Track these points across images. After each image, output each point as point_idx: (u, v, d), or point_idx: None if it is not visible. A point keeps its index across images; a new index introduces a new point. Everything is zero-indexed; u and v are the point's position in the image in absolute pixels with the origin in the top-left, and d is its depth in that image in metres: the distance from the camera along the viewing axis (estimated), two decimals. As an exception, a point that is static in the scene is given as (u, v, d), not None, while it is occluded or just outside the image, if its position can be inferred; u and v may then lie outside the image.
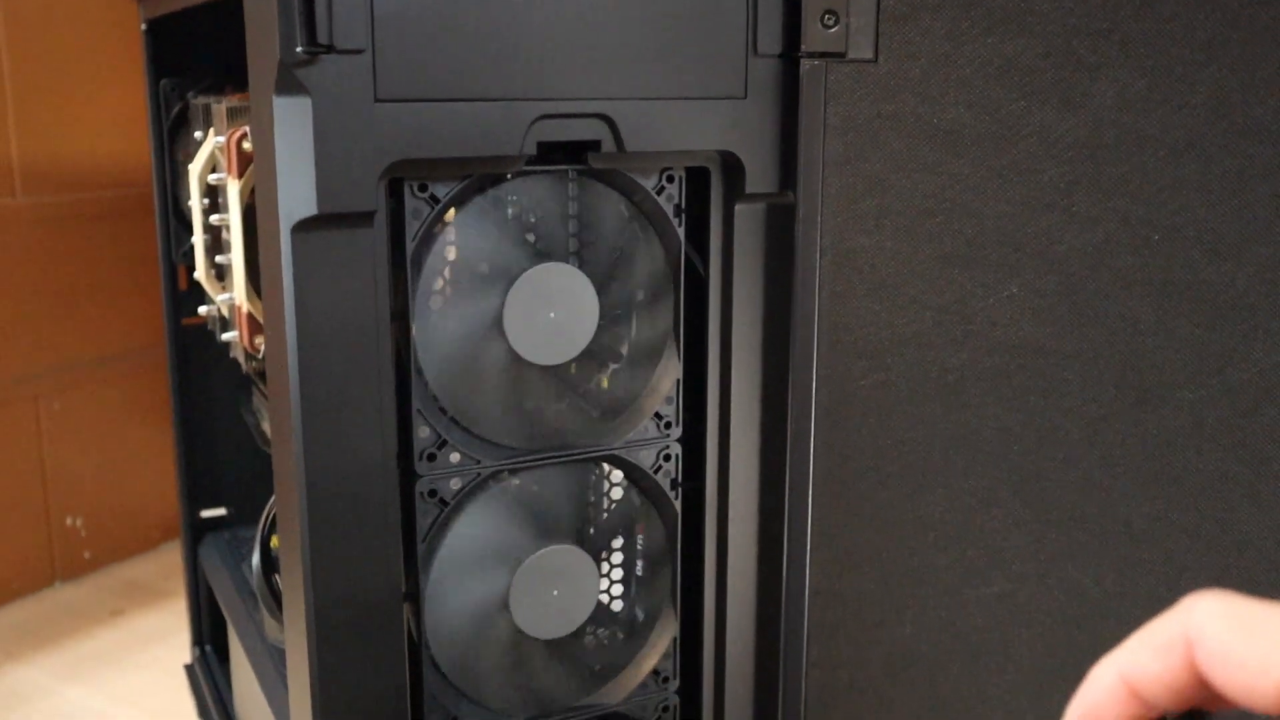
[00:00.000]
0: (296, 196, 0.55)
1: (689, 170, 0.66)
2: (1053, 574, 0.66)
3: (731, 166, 0.65)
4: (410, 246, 0.60)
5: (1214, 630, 0.28)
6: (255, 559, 0.80)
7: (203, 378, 1.11)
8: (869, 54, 0.62)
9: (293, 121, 0.54)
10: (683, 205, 0.66)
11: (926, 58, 0.61)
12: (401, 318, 0.62)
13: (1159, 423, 0.63)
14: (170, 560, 1.45)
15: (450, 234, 0.62)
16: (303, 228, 0.56)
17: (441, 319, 0.62)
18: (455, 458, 0.64)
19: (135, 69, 1.09)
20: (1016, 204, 0.62)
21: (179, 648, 1.23)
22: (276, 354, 0.60)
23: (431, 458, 0.63)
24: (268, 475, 0.86)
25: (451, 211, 0.62)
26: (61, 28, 1.33)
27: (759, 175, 0.65)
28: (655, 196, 0.65)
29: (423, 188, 0.60)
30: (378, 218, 0.58)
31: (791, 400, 0.66)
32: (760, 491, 0.69)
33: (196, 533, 1.13)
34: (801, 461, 0.67)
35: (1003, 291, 0.63)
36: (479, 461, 0.64)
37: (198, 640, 1.15)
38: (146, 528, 1.48)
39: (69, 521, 1.39)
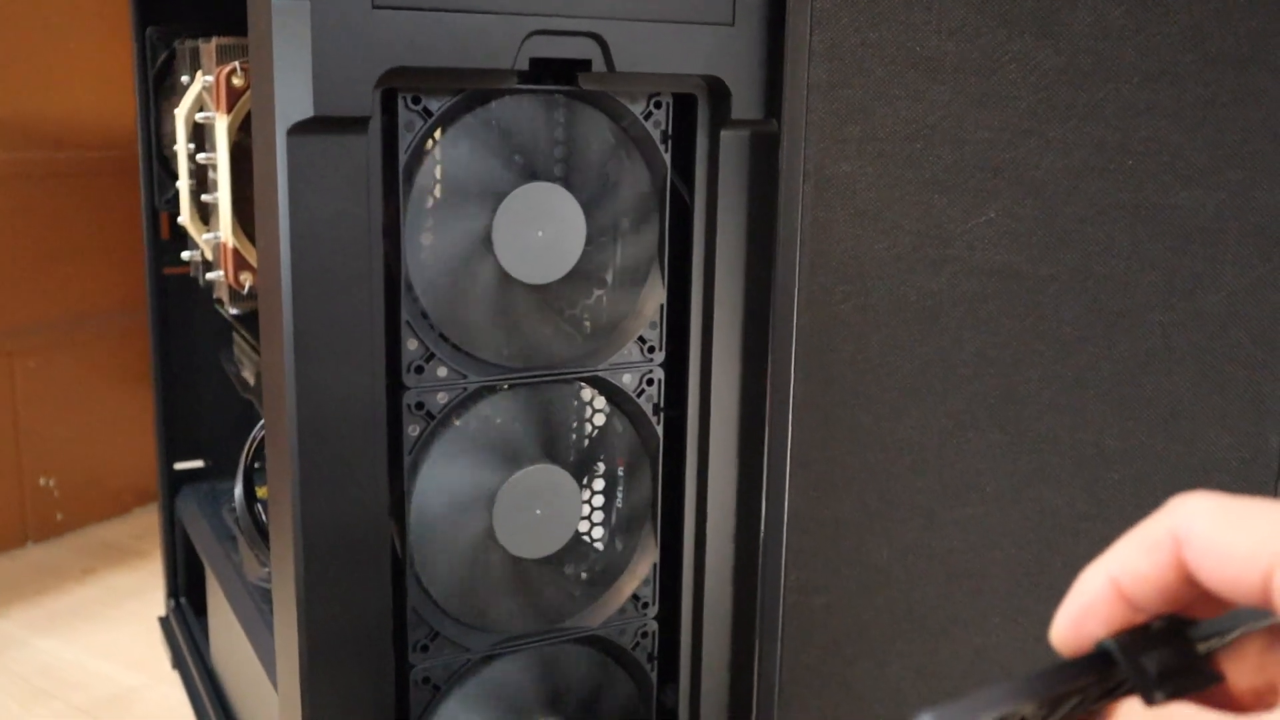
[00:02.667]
0: (293, 99, 0.56)
1: (675, 99, 0.67)
2: (1026, 496, 0.67)
3: (718, 92, 0.66)
4: (403, 159, 0.61)
5: (1201, 525, 0.29)
6: (238, 490, 0.81)
7: (183, 329, 1.12)
8: (854, -18, 0.63)
9: (291, 24, 0.55)
10: (669, 132, 0.67)
11: (910, -15, 0.63)
12: (392, 233, 0.63)
13: (1130, 345, 0.65)
14: (143, 523, 1.45)
15: (441, 150, 0.63)
16: (298, 130, 0.56)
17: (431, 234, 0.63)
18: (442, 372, 0.65)
19: (119, 26, 1.09)
20: (995, 130, 0.63)
21: (153, 604, 1.23)
22: (269, 264, 0.61)
23: (419, 370, 0.64)
24: (247, 428, 0.87)
25: (439, 132, 0.63)
26: (44, -14, 1.33)
27: (744, 102, 0.66)
28: (643, 122, 0.66)
29: (416, 100, 0.61)
30: (372, 126, 0.59)
31: (773, 325, 0.67)
32: (741, 416, 0.71)
33: (174, 484, 1.13)
34: (782, 386, 0.68)
35: (981, 216, 0.64)
36: (465, 376, 0.65)
37: (173, 593, 1.15)
38: (120, 491, 1.47)
39: (42, 482, 1.39)
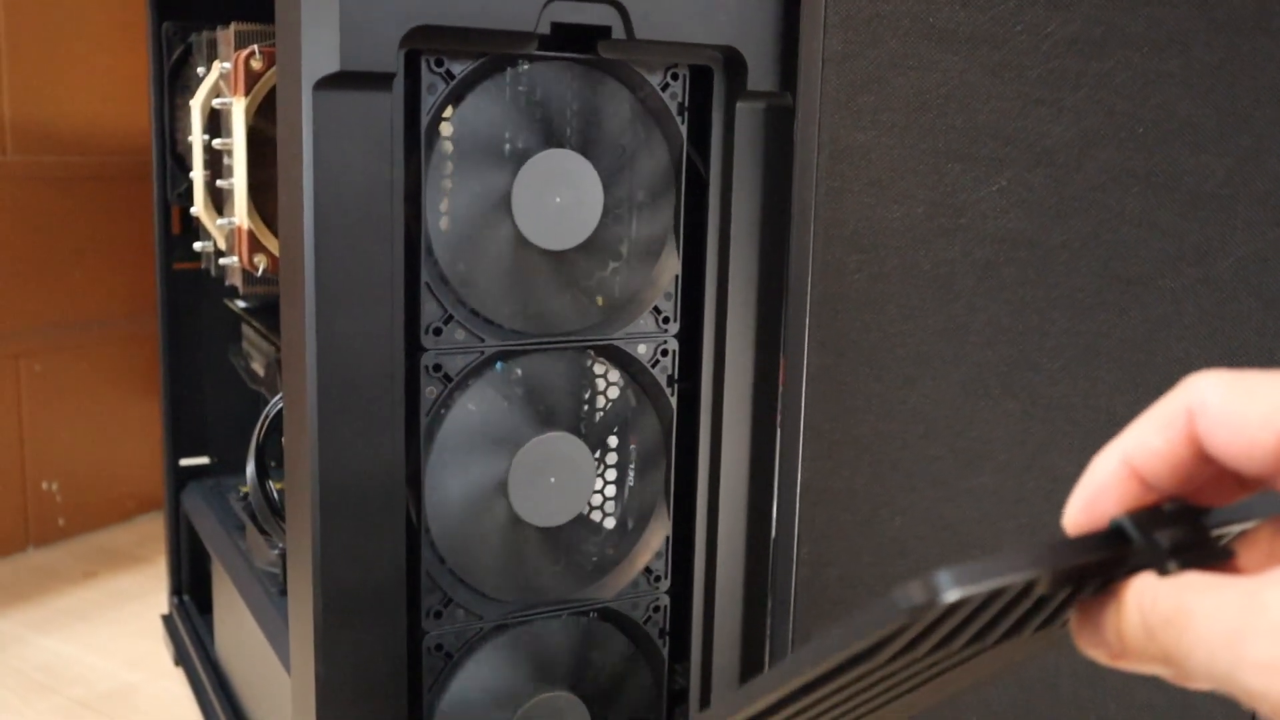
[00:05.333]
0: (319, 54, 0.57)
1: (692, 71, 0.68)
2: (1038, 464, 0.68)
3: (734, 64, 0.67)
4: (425, 121, 0.62)
5: (1215, 396, 0.29)
6: (250, 468, 0.81)
7: (191, 327, 1.12)
8: (868, -46, 0.64)
9: (319, -21, 0.56)
10: (686, 104, 0.68)
11: (923, -43, 0.64)
12: (413, 196, 0.63)
13: (1141, 312, 0.65)
14: (146, 530, 1.45)
15: (462, 114, 0.64)
16: (324, 85, 0.57)
17: (451, 197, 0.64)
18: (460, 335, 0.65)
19: (133, 30, 1.10)
20: (1007, 99, 0.64)
21: (154, 605, 1.22)
22: (291, 222, 0.62)
23: (438, 332, 0.64)
24: (253, 426, 0.87)
25: (460, 96, 0.64)
26: (58, -7, 1.35)
27: (760, 73, 0.67)
28: (660, 93, 0.67)
29: (439, 62, 0.62)
30: (395, 87, 0.60)
31: (787, 295, 0.68)
32: (754, 387, 0.71)
33: (179, 479, 1.13)
34: (796, 356, 0.68)
35: (993, 185, 0.65)
36: (483, 340, 0.66)
37: (176, 590, 1.14)
38: (122, 498, 1.47)
39: (45, 486, 1.38)
